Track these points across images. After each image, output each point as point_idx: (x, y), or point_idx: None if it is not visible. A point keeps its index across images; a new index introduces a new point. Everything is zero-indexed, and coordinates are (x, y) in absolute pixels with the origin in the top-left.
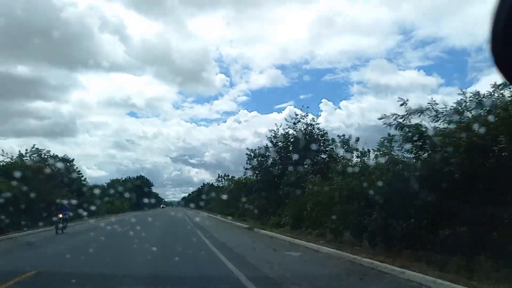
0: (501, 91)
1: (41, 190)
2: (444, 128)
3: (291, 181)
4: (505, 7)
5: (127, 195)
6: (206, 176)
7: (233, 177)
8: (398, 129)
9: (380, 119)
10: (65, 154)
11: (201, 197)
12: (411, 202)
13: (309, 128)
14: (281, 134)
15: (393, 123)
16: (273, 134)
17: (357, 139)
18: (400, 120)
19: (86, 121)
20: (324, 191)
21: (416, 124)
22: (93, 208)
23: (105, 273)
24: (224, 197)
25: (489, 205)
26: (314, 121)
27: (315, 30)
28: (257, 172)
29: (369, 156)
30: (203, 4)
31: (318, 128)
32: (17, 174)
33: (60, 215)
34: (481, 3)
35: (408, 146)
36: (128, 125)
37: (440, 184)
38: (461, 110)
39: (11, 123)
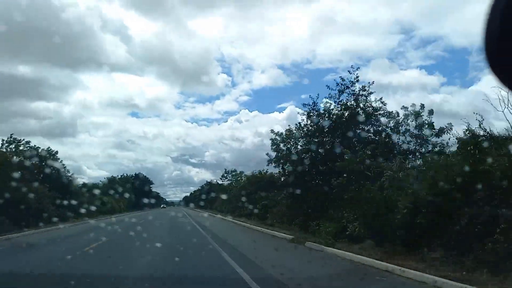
0: None
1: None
2: None
3: (350, 169)
4: (498, 8)
5: (125, 194)
6: (207, 176)
7: (241, 172)
8: None
9: None
10: (49, 147)
11: (204, 196)
12: None
13: (361, 98)
14: (324, 106)
15: None
16: (310, 109)
17: (431, 112)
18: None
19: (87, 122)
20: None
21: None
22: (86, 208)
23: None
24: (225, 196)
25: None
26: (365, 90)
27: (316, 29)
28: (287, 160)
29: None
30: (204, 4)
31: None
32: None
33: None
34: (482, 2)
35: None
36: (129, 125)
37: None
38: None
39: (11, 123)
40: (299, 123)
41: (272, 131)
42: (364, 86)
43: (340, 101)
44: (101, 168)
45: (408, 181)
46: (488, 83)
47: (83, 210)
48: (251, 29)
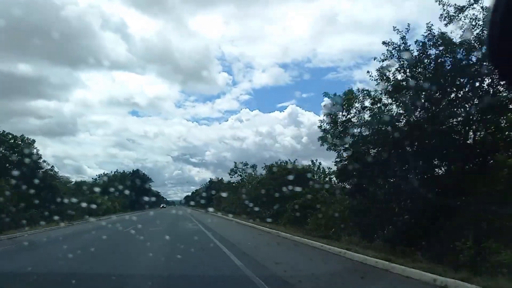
0: None
1: None
2: None
3: None
4: (501, 7)
5: (119, 193)
6: (208, 175)
7: (253, 166)
8: None
9: None
10: (22, 134)
11: (207, 195)
12: None
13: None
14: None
15: None
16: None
17: None
18: None
19: (87, 120)
20: None
21: None
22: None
23: None
24: (229, 195)
25: None
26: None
27: (317, 28)
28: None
29: None
30: (204, 2)
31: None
32: None
33: None
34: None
35: None
36: (130, 124)
37: None
38: None
39: (12, 122)
40: (383, 74)
41: (325, 96)
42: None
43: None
44: (102, 167)
45: None
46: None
47: (69, 212)
48: (251, 27)
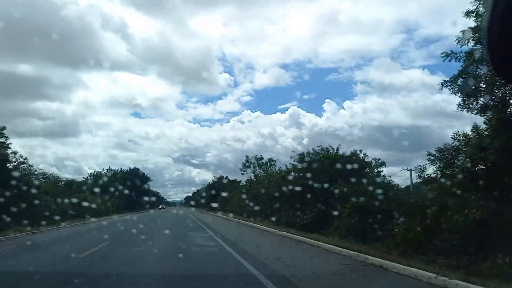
0: None
1: None
2: None
3: None
4: (500, 5)
5: (114, 192)
6: (208, 176)
7: (270, 161)
8: None
9: None
10: None
11: (213, 195)
12: None
13: None
14: None
15: None
16: None
17: None
18: None
19: (89, 121)
20: None
21: None
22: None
23: None
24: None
25: None
26: None
27: (318, 29)
28: None
29: None
30: (205, 2)
31: None
32: None
33: None
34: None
35: None
36: (131, 126)
37: None
38: None
39: (13, 123)
40: None
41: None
42: None
43: None
44: (103, 168)
45: None
46: None
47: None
48: (252, 27)
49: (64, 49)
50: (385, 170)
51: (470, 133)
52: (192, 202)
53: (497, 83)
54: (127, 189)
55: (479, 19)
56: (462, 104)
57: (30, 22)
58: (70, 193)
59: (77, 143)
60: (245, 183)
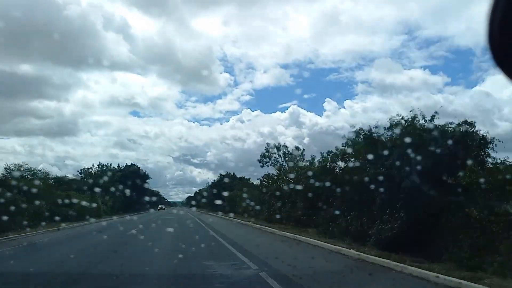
0: None
1: None
2: None
3: None
4: (500, 5)
5: (107, 190)
6: (209, 176)
7: (302, 152)
8: None
9: None
10: None
11: (217, 194)
12: None
13: None
14: None
15: None
16: None
17: None
18: None
19: (88, 120)
20: None
21: None
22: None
23: None
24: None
25: None
26: None
27: (319, 29)
28: None
29: None
30: (206, 2)
31: None
32: None
33: None
34: (486, 2)
35: None
36: (131, 125)
37: None
38: None
39: (13, 122)
40: None
41: None
42: None
43: None
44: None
45: None
46: (492, 83)
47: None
48: (253, 28)
49: (64, 48)
50: None
51: None
52: (194, 202)
53: None
54: (123, 188)
55: None
56: None
57: (31, 21)
58: (50, 192)
59: (76, 142)
60: (261, 178)
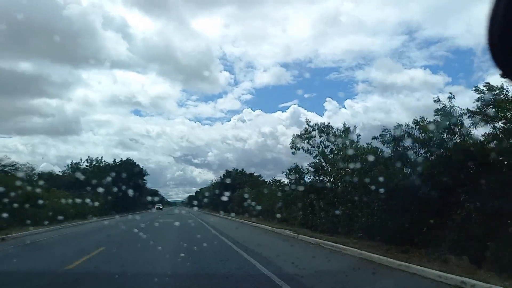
0: None
1: None
2: None
3: None
4: (501, 4)
5: (99, 189)
6: (209, 176)
7: (347, 130)
8: None
9: None
10: None
11: (221, 193)
12: None
13: None
14: None
15: None
16: None
17: None
18: None
19: (89, 119)
20: None
21: None
22: None
23: None
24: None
25: None
26: None
27: (319, 28)
28: None
29: None
30: (206, 2)
31: None
32: None
33: None
34: (486, 3)
35: None
36: (132, 124)
37: None
38: None
39: (14, 121)
40: None
41: None
42: None
43: None
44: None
45: None
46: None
47: None
48: (253, 27)
49: (65, 47)
50: None
51: None
52: (195, 202)
53: None
54: (116, 185)
55: None
56: None
57: (31, 20)
58: (20, 187)
59: (78, 141)
60: (287, 171)
